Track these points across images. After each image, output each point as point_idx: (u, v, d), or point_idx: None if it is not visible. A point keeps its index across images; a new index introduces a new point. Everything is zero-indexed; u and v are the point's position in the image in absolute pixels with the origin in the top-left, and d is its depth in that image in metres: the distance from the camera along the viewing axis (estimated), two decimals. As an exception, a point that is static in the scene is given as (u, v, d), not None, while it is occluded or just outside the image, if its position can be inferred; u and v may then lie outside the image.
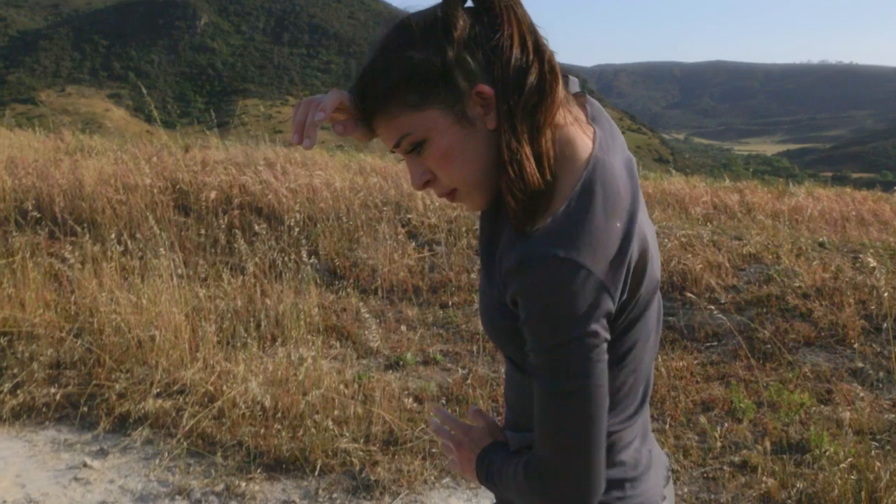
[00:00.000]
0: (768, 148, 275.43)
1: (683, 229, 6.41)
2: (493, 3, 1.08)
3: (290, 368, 3.99)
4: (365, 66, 1.12)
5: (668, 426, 3.93)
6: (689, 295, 5.25)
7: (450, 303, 5.46)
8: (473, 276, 5.80)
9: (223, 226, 6.48)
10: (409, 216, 6.72)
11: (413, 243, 6.28)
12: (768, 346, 4.76)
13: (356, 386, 3.96)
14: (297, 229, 6.29)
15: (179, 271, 5.06)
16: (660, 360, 4.51)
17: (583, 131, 1.16)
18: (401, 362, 4.50)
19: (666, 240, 5.98)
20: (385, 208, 6.73)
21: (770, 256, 5.95)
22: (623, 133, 1.28)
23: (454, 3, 1.09)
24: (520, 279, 1.05)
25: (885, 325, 4.90)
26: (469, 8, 1.11)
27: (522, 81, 1.08)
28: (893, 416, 4.02)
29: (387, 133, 1.13)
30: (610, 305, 1.06)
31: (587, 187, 1.08)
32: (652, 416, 3.49)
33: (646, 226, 1.17)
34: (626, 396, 1.21)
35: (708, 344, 4.92)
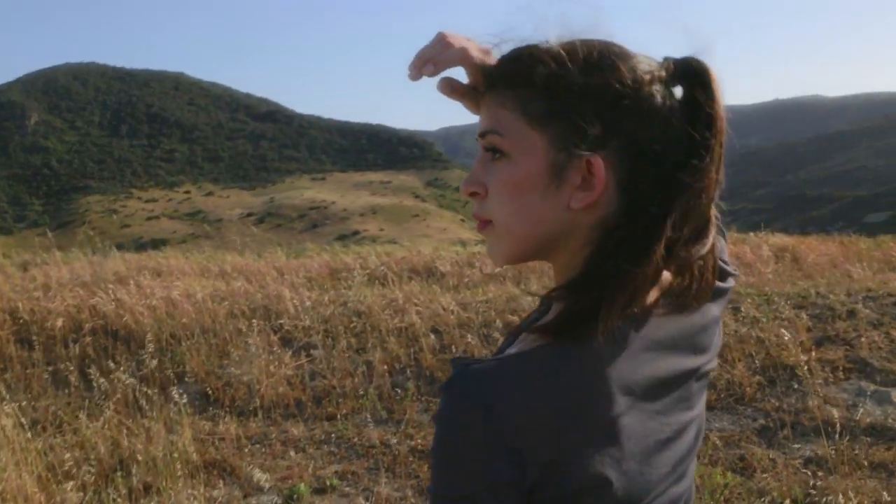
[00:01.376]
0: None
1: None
2: (715, 106, 0.88)
3: (170, 528, 3.49)
4: (538, 43, 0.90)
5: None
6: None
7: (337, 414, 5.05)
8: (357, 380, 5.43)
9: (75, 357, 5.85)
10: (281, 321, 6.30)
11: (289, 351, 5.85)
12: (672, 417, 4.64)
13: (249, 539, 3.50)
14: (159, 352, 5.75)
15: (25, 420, 4.45)
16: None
17: None
18: (294, 496, 4.06)
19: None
20: (254, 317, 6.28)
21: (654, 318, 5.91)
22: None
23: (669, 70, 0.90)
24: (441, 398, 0.84)
25: (775, 375, 4.91)
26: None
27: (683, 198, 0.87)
28: (808, 475, 3.93)
29: (485, 117, 0.93)
30: (511, 477, 0.80)
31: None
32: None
33: (640, 431, 0.86)
34: None
35: (612, 422, 4.75)
